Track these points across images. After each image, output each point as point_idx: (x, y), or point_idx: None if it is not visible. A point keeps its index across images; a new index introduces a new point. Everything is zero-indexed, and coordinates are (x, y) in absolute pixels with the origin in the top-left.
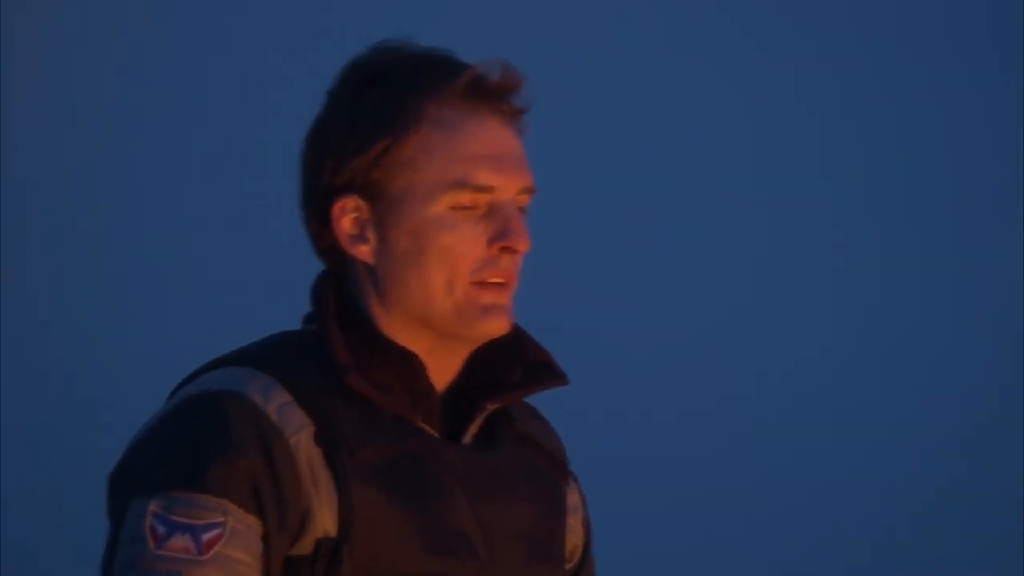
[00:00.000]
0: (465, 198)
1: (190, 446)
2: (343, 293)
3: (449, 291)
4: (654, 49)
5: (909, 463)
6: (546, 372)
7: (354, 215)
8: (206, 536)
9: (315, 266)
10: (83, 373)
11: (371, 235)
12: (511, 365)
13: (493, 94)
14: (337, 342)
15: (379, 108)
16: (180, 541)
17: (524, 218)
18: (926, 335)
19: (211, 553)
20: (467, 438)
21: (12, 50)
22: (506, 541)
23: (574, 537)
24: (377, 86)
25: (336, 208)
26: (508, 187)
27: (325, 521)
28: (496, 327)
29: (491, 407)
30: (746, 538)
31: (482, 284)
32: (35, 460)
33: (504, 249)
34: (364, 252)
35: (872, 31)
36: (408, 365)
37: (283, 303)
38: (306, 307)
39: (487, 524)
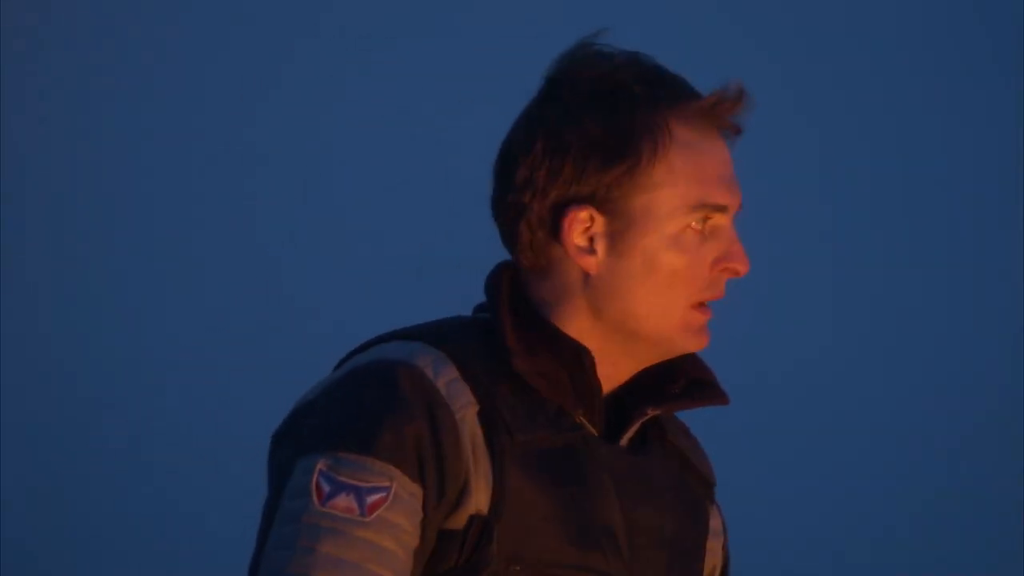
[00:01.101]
0: (698, 219)
1: (360, 410)
2: (518, 288)
3: (670, 311)
4: (649, 48)
5: (909, 463)
6: (707, 390)
7: (586, 226)
8: (370, 498)
9: (311, 267)
10: (83, 373)
11: (601, 248)
12: (674, 377)
13: (726, 116)
14: (508, 327)
15: (628, 124)
16: (344, 500)
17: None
18: (926, 335)
19: (374, 516)
20: (624, 440)
21: (12, 50)
22: (649, 545)
23: (713, 559)
24: (619, 97)
25: (569, 218)
26: (733, 206)
27: (480, 498)
28: (698, 344)
29: (652, 413)
30: (746, 538)
31: (700, 305)
32: (35, 460)
33: (726, 271)
34: (590, 264)
35: (871, 30)
36: (577, 357)
37: (283, 303)
38: (304, 308)
39: (634, 525)
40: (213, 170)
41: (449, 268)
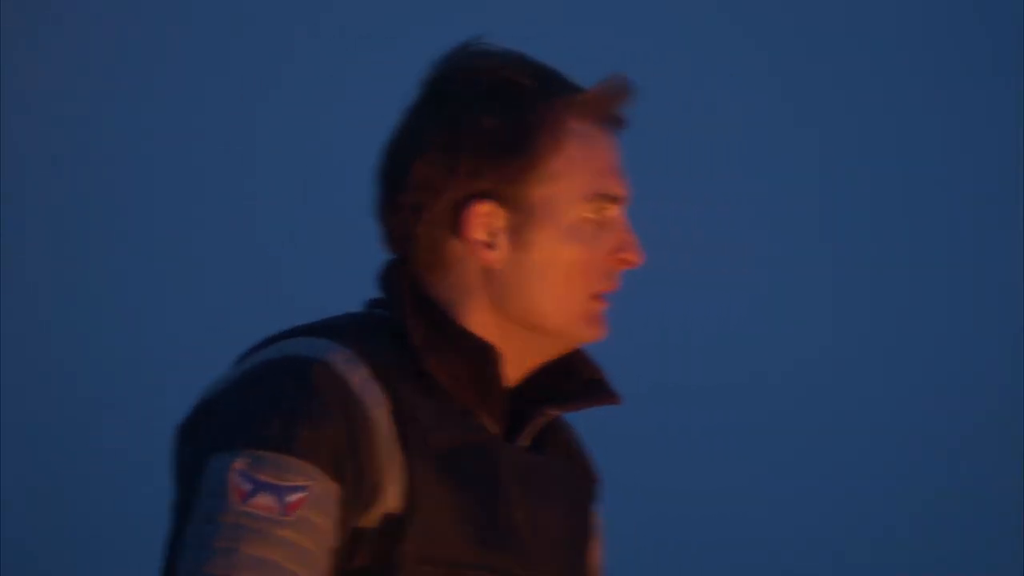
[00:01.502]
0: (594, 209)
1: (279, 408)
2: (415, 285)
3: (571, 303)
4: (650, 48)
5: (909, 463)
6: (600, 389)
7: (487, 221)
8: (290, 498)
9: (311, 267)
10: (83, 373)
11: (503, 243)
12: (569, 377)
13: (615, 108)
14: (415, 327)
15: (523, 118)
16: (264, 500)
17: None
18: (926, 335)
19: (294, 515)
20: (523, 440)
21: (12, 50)
22: (548, 545)
23: (596, 554)
24: (513, 93)
25: (470, 214)
26: (626, 199)
27: (392, 498)
28: (597, 335)
29: (552, 413)
30: (745, 539)
31: (596, 296)
32: (35, 460)
33: (621, 261)
34: (492, 259)
35: (870, 31)
36: (484, 357)
37: (283, 303)
38: (299, 305)
39: (536, 524)
40: (213, 170)
41: None
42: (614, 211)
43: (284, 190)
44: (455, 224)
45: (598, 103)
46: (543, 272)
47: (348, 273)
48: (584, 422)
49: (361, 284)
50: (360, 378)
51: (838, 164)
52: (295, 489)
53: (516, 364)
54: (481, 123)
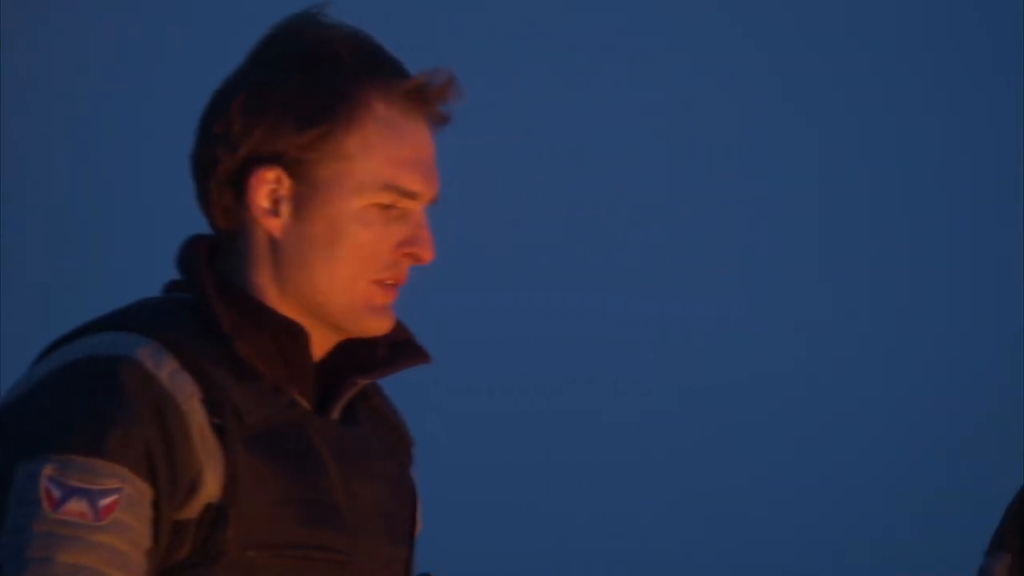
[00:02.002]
0: (389, 199)
1: (87, 410)
2: (216, 261)
3: (351, 285)
4: (650, 48)
5: (909, 463)
6: (409, 350)
7: (272, 187)
8: (103, 501)
9: None
10: None
11: (286, 211)
12: (375, 342)
13: (433, 100)
14: (220, 309)
15: (328, 91)
16: (77, 505)
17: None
18: (926, 335)
19: (108, 519)
20: (335, 413)
21: (12, 50)
22: (368, 516)
23: (419, 518)
24: (326, 65)
25: (256, 177)
26: (427, 195)
27: (212, 486)
28: (382, 326)
29: (362, 382)
30: (745, 539)
31: (380, 283)
32: None
33: (408, 255)
34: (274, 226)
35: (870, 31)
36: (292, 335)
37: None
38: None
39: (354, 498)
40: None
41: (450, 267)
42: (410, 205)
43: None
44: (242, 186)
45: (412, 93)
46: (322, 248)
47: None
48: (575, 417)
49: None
50: (169, 371)
51: (838, 164)
52: (108, 492)
53: (318, 341)
54: (285, 88)
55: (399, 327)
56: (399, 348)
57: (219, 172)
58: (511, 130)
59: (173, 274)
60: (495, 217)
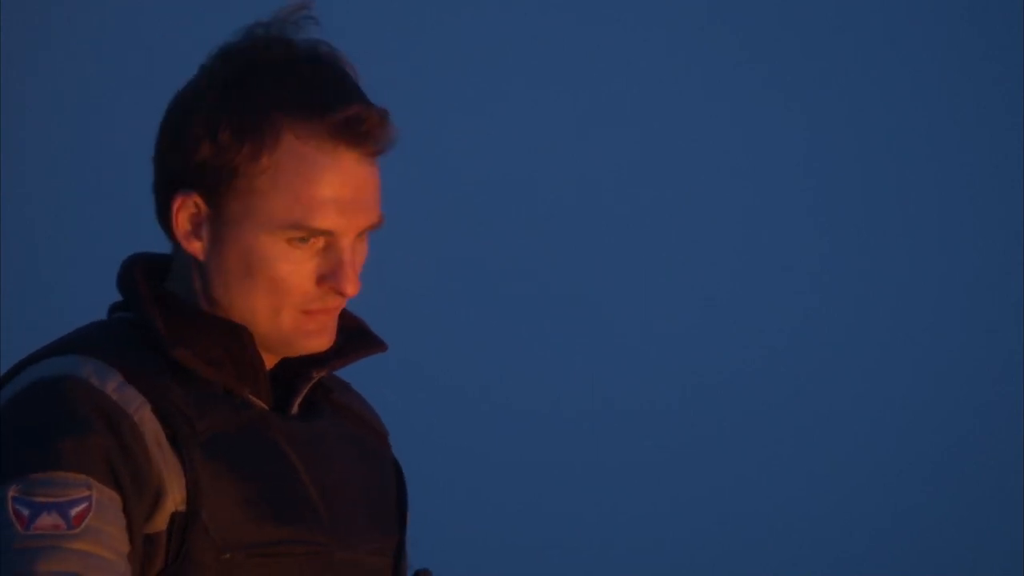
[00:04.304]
0: (302, 235)
1: (38, 429)
2: (162, 278)
3: (275, 315)
4: (642, 48)
5: (909, 462)
6: (364, 340)
7: (192, 211)
8: (74, 511)
9: None
10: None
11: (205, 236)
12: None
13: (358, 137)
14: (158, 318)
15: (241, 121)
16: (48, 519)
17: (365, 246)
18: (925, 334)
19: (82, 526)
20: (294, 408)
21: (12, 50)
22: (345, 506)
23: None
24: (245, 92)
25: (177, 200)
26: (349, 229)
27: (175, 496)
28: (316, 347)
29: (318, 375)
30: (746, 538)
31: (308, 312)
32: None
33: (331, 289)
34: (196, 249)
35: (869, 30)
36: (235, 336)
37: None
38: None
39: (326, 490)
40: None
41: (452, 268)
42: (333, 240)
43: None
44: (168, 208)
45: (332, 129)
46: (239, 279)
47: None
48: (571, 413)
49: (364, 285)
50: (114, 385)
51: (825, 160)
52: (77, 502)
53: (256, 339)
54: (203, 113)
55: (351, 318)
56: (353, 338)
57: (157, 188)
58: (500, 131)
59: None
60: (492, 219)
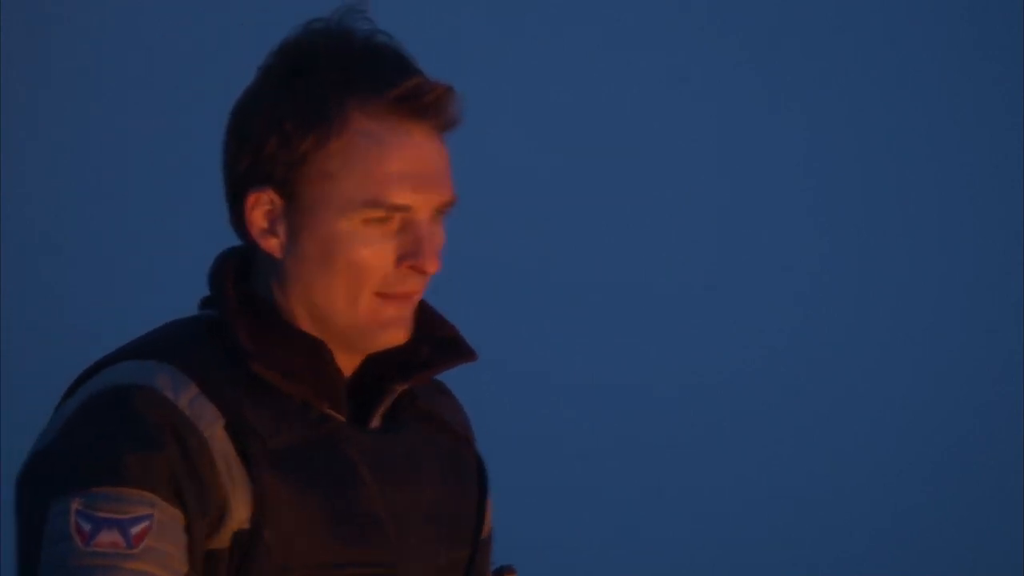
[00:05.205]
0: (379, 215)
1: (106, 441)
2: (246, 277)
3: (352, 303)
4: (642, 48)
5: (909, 462)
6: (454, 349)
7: (267, 208)
8: (134, 529)
9: None
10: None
11: (281, 231)
12: (418, 343)
13: (423, 109)
14: (241, 329)
15: (305, 108)
16: (108, 536)
17: (442, 228)
18: (926, 334)
19: (141, 546)
20: (375, 421)
21: (12, 50)
22: (415, 524)
23: (488, 516)
24: (306, 79)
25: (250, 199)
26: (425, 205)
27: (240, 513)
28: (394, 339)
29: (400, 388)
30: (745, 538)
31: (385, 296)
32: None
33: (412, 268)
34: (272, 246)
35: (868, 29)
36: (314, 351)
37: None
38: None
39: (396, 508)
40: (214, 169)
41: (450, 266)
42: (412, 216)
43: None
44: (242, 207)
45: (397, 103)
46: (317, 268)
47: None
48: (565, 409)
49: None
50: (188, 397)
51: (836, 163)
52: (137, 520)
53: (337, 350)
54: (270, 106)
55: (445, 325)
56: (443, 346)
57: (227, 191)
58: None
59: (172, 277)
60: (492, 217)
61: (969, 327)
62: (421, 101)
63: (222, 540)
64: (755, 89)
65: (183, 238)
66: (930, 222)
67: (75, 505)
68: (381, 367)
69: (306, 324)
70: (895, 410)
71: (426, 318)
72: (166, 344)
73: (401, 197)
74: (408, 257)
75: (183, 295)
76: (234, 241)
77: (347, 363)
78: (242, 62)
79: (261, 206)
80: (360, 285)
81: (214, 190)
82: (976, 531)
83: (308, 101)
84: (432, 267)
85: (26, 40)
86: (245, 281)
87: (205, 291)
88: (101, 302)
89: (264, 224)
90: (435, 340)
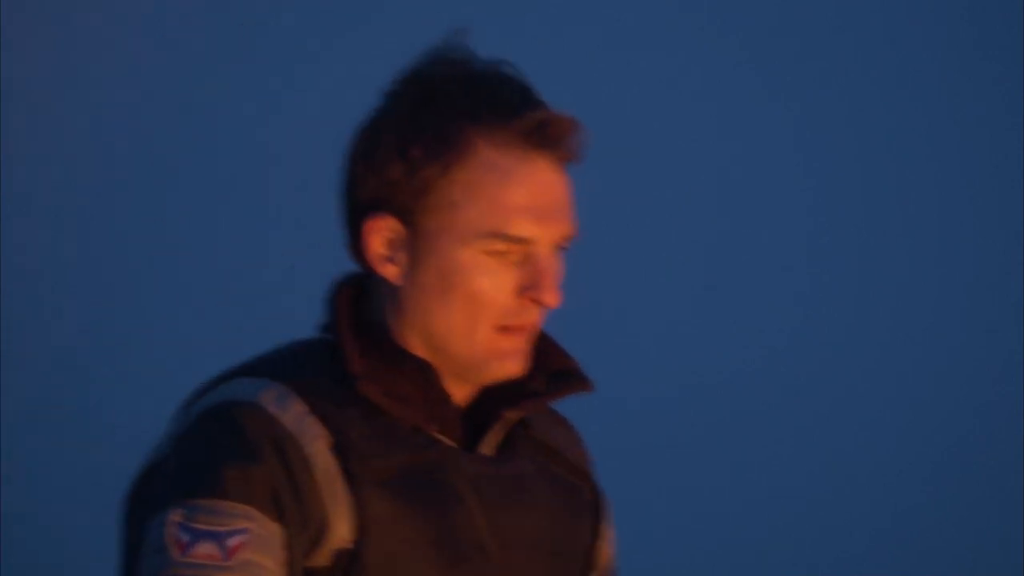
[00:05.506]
0: (500, 247)
1: (207, 456)
2: (361, 301)
3: (470, 334)
4: (641, 48)
5: (909, 462)
6: (569, 379)
7: (387, 234)
8: (231, 542)
9: (319, 272)
10: (85, 374)
11: (401, 258)
12: (534, 372)
13: (549, 141)
14: (352, 351)
15: (431, 136)
16: (205, 548)
17: (561, 261)
18: (926, 334)
19: (236, 558)
20: (486, 447)
21: (12, 50)
22: (522, 551)
23: (607, 548)
24: (433, 108)
25: (369, 224)
26: (546, 238)
27: (341, 532)
28: (510, 371)
29: (511, 416)
30: (745, 538)
31: (504, 329)
32: (36, 461)
33: (532, 300)
34: (391, 273)
35: (868, 28)
36: (423, 374)
37: (288, 309)
38: (316, 312)
39: (503, 534)
40: (213, 169)
41: None
42: (533, 249)
43: (288, 188)
44: (361, 233)
45: (524, 134)
46: (436, 297)
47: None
48: (584, 419)
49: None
50: (293, 415)
51: (835, 163)
52: (234, 533)
53: (450, 376)
54: (393, 134)
55: (561, 355)
56: (559, 377)
57: (347, 217)
58: None
59: (172, 276)
60: None
61: (969, 327)
62: (547, 133)
63: (322, 558)
64: (755, 89)
65: (182, 238)
66: (930, 222)
67: (174, 517)
68: (497, 396)
69: (420, 351)
70: (895, 410)
71: (544, 348)
72: (279, 363)
73: (523, 229)
74: (528, 289)
75: (183, 295)
76: (243, 253)
77: (462, 391)
78: (243, 62)
79: (380, 232)
80: (479, 316)
81: (214, 190)
82: (976, 531)
83: (434, 129)
84: (551, 300)
85: (26, 40)
86: (360, 306)
87: (204, 292)
88: (101, 302)
89: (383, 250)
90: (552, 370)
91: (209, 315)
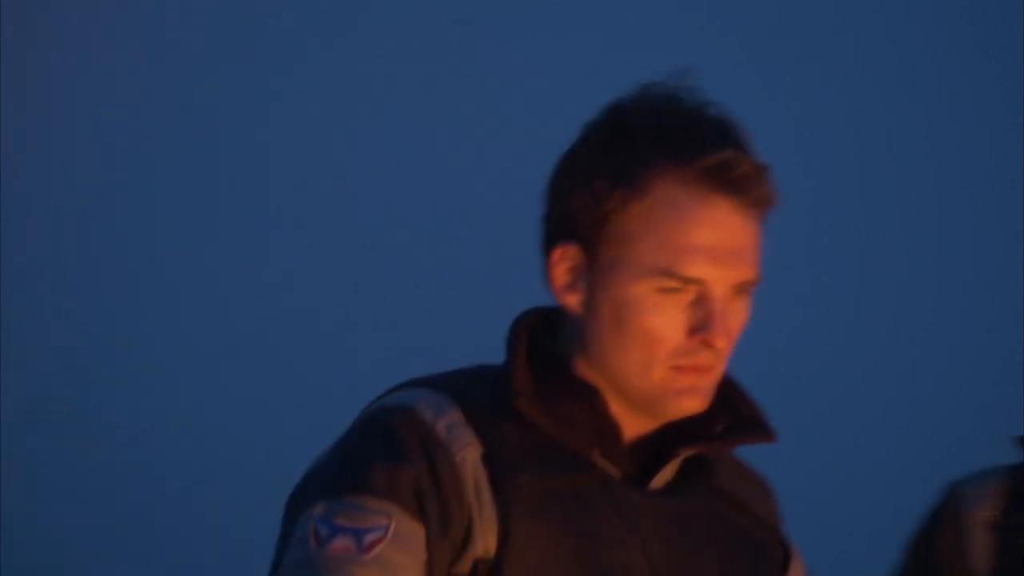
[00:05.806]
0: (673, 284)
1: (357, 455)
2: (545, 331)
3: (646, 371)
4: (641, 48)
5: (909, 462)
6: (751, 427)
7: (570, 263)
8: (368, 537)
9: (324, 274)
10: (85, 375)
11: (583, 288)
12: (717, 415)
13: (732, 183)
14: (520, 370)
15: (615, 167)
16: (342, 542)
17: (744, 305)
18: (926, 334)
19: (372, 554)
20: (657, 483)
21: (12, 50)
22: None
23: None
24: (622, 140)
25: (555, 252)
26: (721, 280)
27: (485, 542)
28: (688, 408)
29: (684, 454)
30: None
31: (680, 369)
32: (35, 461)
33: (703, 342)
34: (573, 302)
35: (867, 28)
36: (591, 399)
37: (288, 309)
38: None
39: (657, 568)
40: (213, 169)
41: (458, 274)
42: (709, 290)
43: (288, 188)
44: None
45: (706, 173)
46: (611, 331)
47: (360, 279)
48: None
49: (371, 288)
50: (448, 422)
51: (835, 163)
52: (374, 529)
53: (629, 416)
54: (582, 165)
55: (747, 403)
56: (742, 423)
57: (542, 246)
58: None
59: (172, 276)
60: (492, 217)
61: (969, 327)
62: (730, 175)
63: (463, 566)
64: (755, 89)
65: (182, 238)
66: (930, 222)
67: (318, 511)
68: (676, 434)
69: (598, 382)
70: (895, 410)
71: (728, 392)
72: (452, 378)
73: (695, 270)
74: (698, 330)
75: (183, 295)
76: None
77: (639, 424)
78: (243, 62)
79: (565, 261)
80: (652, 353)
81: (214, 190)
82: None
83: (618, 160)
84: (720, 343)
85: (26, 40)
86: (543, 335)
87: (204, 292)
88: (101, 302)
89: (567, 279)
90: (734, 416)
91: (209, 315)
